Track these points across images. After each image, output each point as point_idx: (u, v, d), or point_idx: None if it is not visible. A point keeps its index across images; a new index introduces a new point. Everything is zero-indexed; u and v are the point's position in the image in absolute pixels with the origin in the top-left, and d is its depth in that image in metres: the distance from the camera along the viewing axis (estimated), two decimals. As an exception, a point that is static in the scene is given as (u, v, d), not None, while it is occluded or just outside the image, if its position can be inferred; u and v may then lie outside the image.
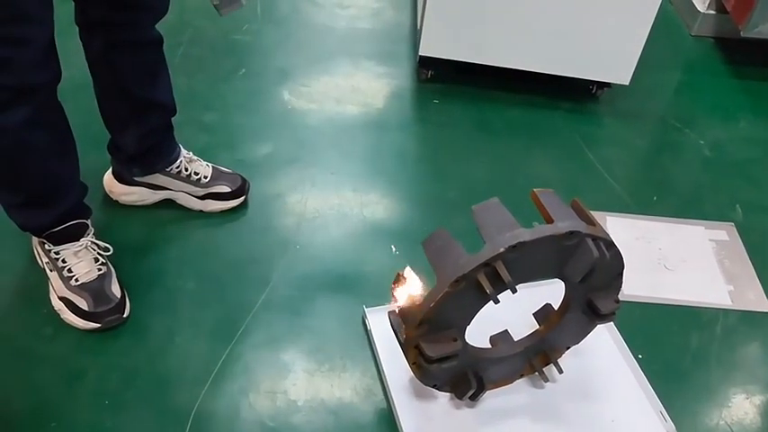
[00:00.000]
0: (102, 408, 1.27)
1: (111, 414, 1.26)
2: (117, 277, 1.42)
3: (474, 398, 1.27)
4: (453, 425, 1.28)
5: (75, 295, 1.36)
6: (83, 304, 1.35)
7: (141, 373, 1.33)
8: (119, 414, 1.26)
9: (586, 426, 1.30)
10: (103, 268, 1.40)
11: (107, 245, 1.43)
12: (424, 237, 1.15)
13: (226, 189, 1.63)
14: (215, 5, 1.23)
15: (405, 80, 2.15)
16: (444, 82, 2.14)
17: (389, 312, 1.24)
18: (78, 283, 1.37)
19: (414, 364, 1.20)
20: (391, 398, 1.30)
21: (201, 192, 1.61)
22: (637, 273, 1.61)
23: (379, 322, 1.39)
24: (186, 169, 1.59)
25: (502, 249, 1.05)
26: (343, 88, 2.09)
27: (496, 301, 1.09)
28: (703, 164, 2.00)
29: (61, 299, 1.37)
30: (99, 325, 1.36)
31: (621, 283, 1.24)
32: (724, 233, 1.75)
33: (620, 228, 1.73)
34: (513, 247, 1.06)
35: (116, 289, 1.39)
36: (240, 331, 1.41)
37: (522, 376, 1.35)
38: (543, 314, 1.33)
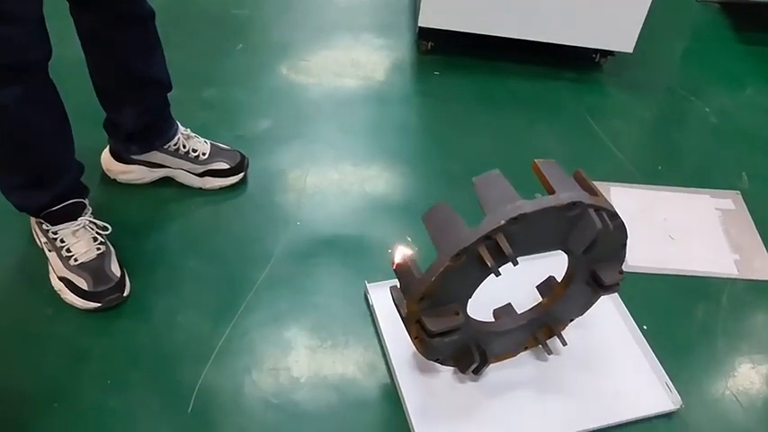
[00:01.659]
0: (104, 387, 1.26)
1: (114, 393, 1.26)
2: (117, 256, 1.42)
3: (477, 371, 1.27)
4: (457, 399, 1.27)
5: (74, 275, 1.35)
6: (82, 284, 1.34)
7: (144, 352, 1.32)
8: (122, 393, 1.26)
9: (591, 397, 1.29)
10: (102, 247, 1.39)
11: (106, 224, 1.42)
12: (424, 209, 1.14)
13: (225, 166, 1.61)
14: None
15: (405, 52, 2.11)
16: (445, 53, 2.10)
17: (391, 287, 1.22)
18: (77, 262, 1.36)
19: (416, 338, 1.19)
20: (394, 373, 1.30)
21: (200, 169, 1.60)
22: (641, 243, 1.59)
23: (381, 297, 1.38)
24: (184, 146, 1.58)
25: (503, 222, 1.04)
26: (343, 62, 2.06)
27: (498, 274, 1.07)
28: (710, 132, 1.97)
29: (61, 279, 1.36)
30: (99, 304, 1.35)
31: (625, 253, 1.22)
32: (730, 202, 1.73)
33: (624, 198, 1.71)
34: (514, 218, 1.04)
35: (116, 268, 1.39)
36: (242, 308, 1.40)
37: (525, 349, 1.34)
38: (546, 286, 1.32)
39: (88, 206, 1.41)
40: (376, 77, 2.02)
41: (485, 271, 1.09)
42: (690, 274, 1.55)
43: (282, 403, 1.27)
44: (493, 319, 1.32)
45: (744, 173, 1.82)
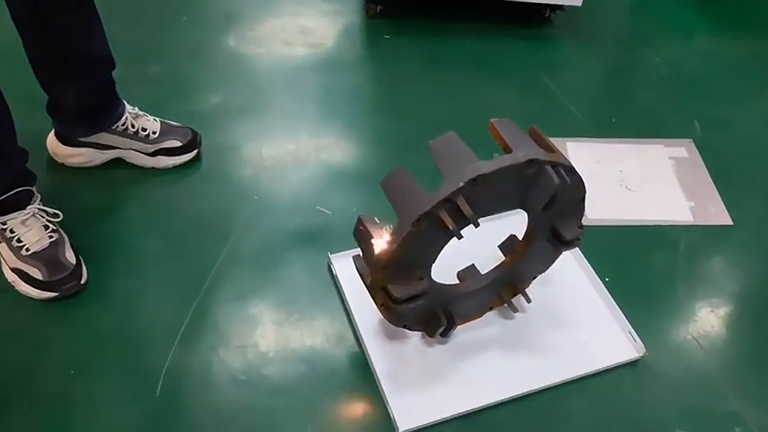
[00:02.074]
0: (68, 377, 1.24)
1: (79, 382, 1.23)
2: (71, 243, 1.38)
3: (445, 334, 1.27)
4: (427, 363, 1.28)
5: (27, 265, 1.31)
6: (37, 274, 1.31)
7: (107, 339, 1.30)
8: (87, 382, 1.23)
9: (558, 352, 1.31)
10: (55, 235, 1.35)
11: (56, 211, 1.37)
12: (382, 176, 1.12)
13: (177, 143, 1.58)
14: None
15: (353, 17, 2.08)
16: (394, 17, 2.07)
17: (354, 257, 1.22)
18: (30, 252, 1.32)
19: (382, 306, 1.19)
20: (362, 341, 1.29)
21: (152, 148, 1.56)
22: (599, 196, 1.61)
23: (344, 267, 1.37)
24: (133, 126, 1.53)
25: (462, 184, 1.03)
26: (291, 30, 2.02)
27: (460, 237, 1.07)
28: (661, 82, 1.99)
29: (14, 270, 1.32)
30: (56, 294, 1.32)
31: (584, 208, 1.23)
32: (683, 150, 1.75)
33: (580, 152, 1.72)
34: (473, 180, 1.04)
35: (70, 255, 1.35)
36: (205, 287, 1.38)
37: (491, 309, 1.35)
38: (508, 246, 1.33)
39: (36, 193, 1.37)
40: (326, 44, 1.99)
41: (447, 234, 1.09)
42: (647, 223, 1.57)
43: (252, 379, 1.26)
44: (457, 281, 1.32)
45: (695, 120, 1.85)
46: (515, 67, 1.98)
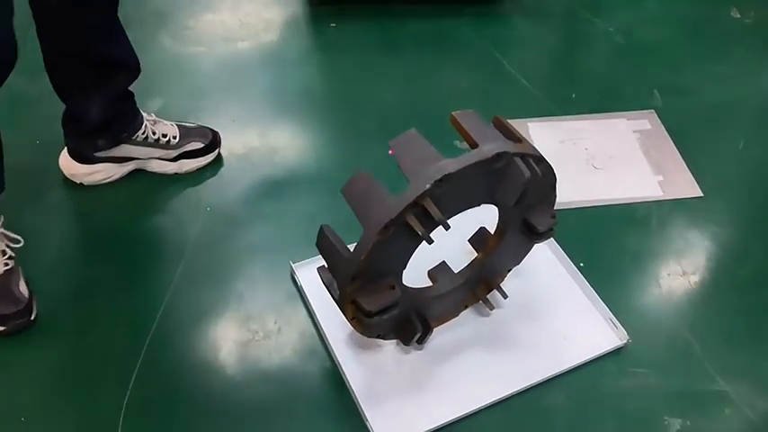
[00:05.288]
0: (19, 426, 1.14)
1: (31, 430, 1.14)
2: (23, 274, 1.27)
3: (421, 341, 1.21)
4: (404, 372, 1.21)
5: None
6: None
7: (60, 377, 1.20)
8: (41, 428, 1.14)
9: (538, 348, 1.25)
10: (11, 263, 1.24)
11: (17, 236, 1.27)
12: (342, 176, 1.05)
13: (199, 145, 1.51)
14: None
15: (296, 7, 1.98)
16: (339, 3, 1.98)
17: (319, 269, 1.14)
18: None
19: (353, 319, 1.12)
20: (335, 355, 1.22)
21: (174, 153, 1.49)
22: (567, 178, 1.54)
23: (309, 276, 1.29)
24: (154, 133, 1.45)
25: (428, 186, 0.96)
26: (231, 24, 1.91)
27: (430, 241, 1.01)
28: (616, 52, 1.94)
29: None
30: (3, 328, 1.22)
31: (555, 196, 1.17)
32: (646, 122, 1.71)
33: (543, 133, 1.66)
34: (440, 181, 0.97)
35: (23, 288, 1.24)
36: (161, 311, 1.29)
37: (466, 307, 1.29)
38: (479, 239, 1.27)
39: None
40: (269, 38, 1.89)
41: (416, 240, 1.02)
42: (618, 202, 1.53)
43: (221, 407, 1.18)
44: (428, 281, 1.26)
45: (655, 90, 1.81)
46: (468, 46, 1.91)
